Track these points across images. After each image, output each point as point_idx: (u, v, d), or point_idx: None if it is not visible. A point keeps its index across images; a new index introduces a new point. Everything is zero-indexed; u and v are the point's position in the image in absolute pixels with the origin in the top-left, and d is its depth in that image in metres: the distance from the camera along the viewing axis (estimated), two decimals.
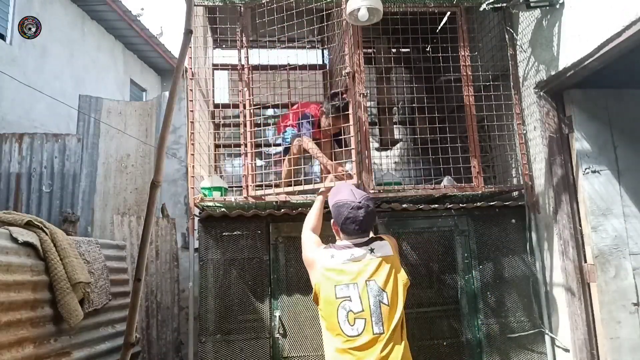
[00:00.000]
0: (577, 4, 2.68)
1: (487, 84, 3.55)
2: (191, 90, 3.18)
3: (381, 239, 2.06)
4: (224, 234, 3.09)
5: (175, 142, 6.03)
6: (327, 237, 2.32)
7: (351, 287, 1.90)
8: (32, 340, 2.42)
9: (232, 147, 4.46)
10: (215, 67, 4.78)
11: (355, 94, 3.10)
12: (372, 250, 1.98)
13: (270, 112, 5.16)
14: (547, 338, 3.10)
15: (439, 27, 3.07)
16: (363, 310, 1.87)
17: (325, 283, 1.94)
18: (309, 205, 3.17)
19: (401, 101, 5.01)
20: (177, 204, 5.85)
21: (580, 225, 2.99)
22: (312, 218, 2.39)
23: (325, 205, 2.41)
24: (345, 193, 2.08)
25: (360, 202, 2.01)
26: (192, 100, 3.17)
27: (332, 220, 2.11)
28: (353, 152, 3.02)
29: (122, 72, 8.97)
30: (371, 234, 2.11)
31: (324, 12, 3.23)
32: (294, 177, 3.38)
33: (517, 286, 3.18)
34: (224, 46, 4.82)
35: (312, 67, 5.03)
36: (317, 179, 3.24)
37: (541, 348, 3.11)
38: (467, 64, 3.30)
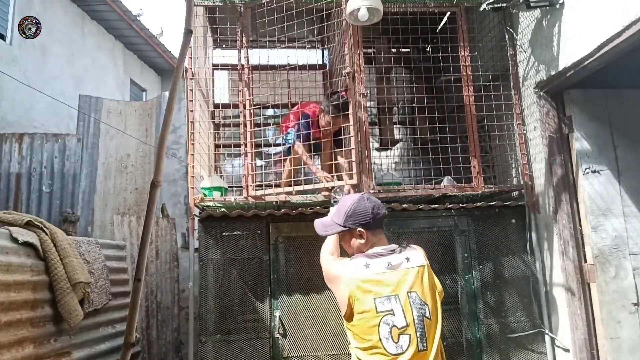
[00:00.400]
0: (577, 4, 2.68)
1: (487, 84, 3.55)
2: (191, 90, 3.19)
3: (411, 247, 1.90)
4: (224, 234, 3.09)
5: (175, 142, 6.03)
6: None
7: (393, 300, 1.72)
8: (32, 340, 2.42)
9: (232, 147, 4.46)
10: (215, 67, 4.78)
11: (355, 94, 3.11)
12: (408, 259, 1.81)
13: (270, 112, 5.16)
14: (547, 338, 3.10)
15: (439, 27, 3.07)
16: (408, 325, 1.70)
17: (362, 296, 1.73)
18: (309, 205, 3.17)
19: (401, 101, 5.01)
20: (177, 204, 5.85)
21: (580, 225, 2.99)
22: (329, 244, 2.15)
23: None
24: (345, 202, 1.93)
25: (374, 207, 1.87)
26: (192, 100, 3.17)
27: (352, 239, 1.91)
28: (353, 152, 3.02)
29: (122, 72, 8.97)
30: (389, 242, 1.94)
31: (324, 12, 3.23)
32: (294, 177, 3.38)
33: (517, 286, 3.18)
34: (224, 46, 4.82)
35: (312, 67, 5.03)
36: (317, 179, 3.23)
37: (541, 348, 3.11)
38: (467, 64, 3.30)
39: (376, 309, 1.71)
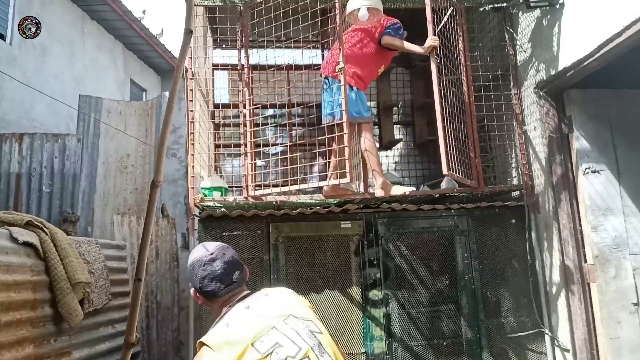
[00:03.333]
0: (577, 4, 2.68)
1: (487, 84, 3.55)
2: (191, 90, 3.19)
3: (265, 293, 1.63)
4: (224, 234, 3.08)
5: (175, 142, 6.02)
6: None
7: (272, 333, 1.43)
8: (32, 340, 2.42)
9: (232, 147, 4.46)
10: (215, 67, 4.78)
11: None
12: (266, 295, 1.60)
13: (270, 112, 5.16)
14: (547, 338, 3.10)
15: (439, 27, 3.06)
16: (301, 349, 1.41)
17: (240, 353, 1.38)
18: (309, 205, 3.17)
19: (401, 101, 5.01)
20: (177, 204, 5.84)
21: (580, 225, 2.99)
22: None
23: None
24: (195, 253, 1.68)
25: (212, 254, 1.62)
26: (192, 100, 3.17)
27: (191, 291, 1.67)
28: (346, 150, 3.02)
29: (122, 72, 8.97)
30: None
31: (325, 15, 3.23)
32: (290, 177, 3.18)
33: (517, 286, 3.18)
34: (224, 46, 4.83)
35: (312, 67, 5.03)
36: (313, 179, 3.22)
37: (541, 348, 3.11)
38: (467, 64, 3.30)
39: (259, 352, 1.39)
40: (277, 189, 3.08)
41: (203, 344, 1.45)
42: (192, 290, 1.67)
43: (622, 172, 2.98)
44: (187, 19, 1.38)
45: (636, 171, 3.00)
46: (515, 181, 3.40)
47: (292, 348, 1.41)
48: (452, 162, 2.78)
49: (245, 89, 3.21)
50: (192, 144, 3.13)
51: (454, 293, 3.14)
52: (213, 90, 4.49)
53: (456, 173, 2.81)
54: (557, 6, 2.83)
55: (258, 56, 3.64)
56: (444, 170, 2.71)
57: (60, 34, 7.20)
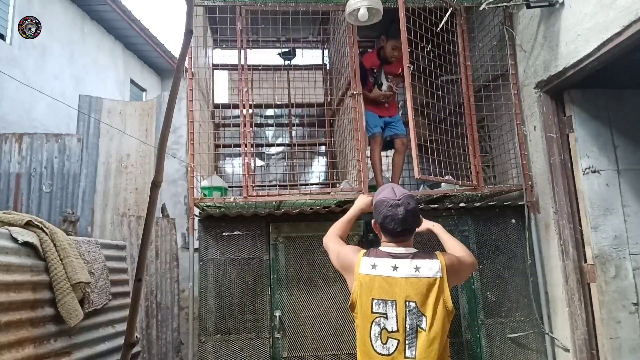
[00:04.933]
0: (577, 4, 2.67)
1: (487, 84, 3.55)
2: (191, 90, 3.19)
3: (433, 256, 1.87)
4: (223, 234, 3.09)
5: (175, 142, 6.02)
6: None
7: (389, 305, 1.77)
8: (32, 340, 2.42)
9: (232, 147, 4.46)
10: (215, 67, 4.78)
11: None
12: (417, 268, 1.81)
13: (270, 112, 5.16)
14: (547, 338, 3.10)
15: (440, 27, 3.07)
16: (397, 331, 1.75)
17: (362, 293, 1.81)
18: (309, 205, 3.17)
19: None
20: (177, 204, 5.84)
21: (580, 225, 2.98)
22: (341, 225, 2.22)
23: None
24: (385, 192, 1.96)
25: (399, 200, 1.87)
26: (192, 100, 3.17)
27: (372, 221, 2.00)
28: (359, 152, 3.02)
29: (122, 72, 8.97)
30: (412, 247, 1.94)
31: (328, 15, 3.23)
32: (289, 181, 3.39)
33: (517, 286, 3.18)
34: (224, 46, 4.83)
35: (311, 67, 5.03)
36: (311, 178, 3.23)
37: (541, 348, 3.11)
38: (467, 64, 3.30)
39: (371, 309, 1.79)
40: (275, 191, 3.08)
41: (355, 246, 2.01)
42: (372, 221, 2.00)
43: (622, 172, 2.98)
44: (188, 19, 1.39)
45: (636, 171, 3.00)
46: (515, 181, 3.39)
47: (393, 326, 1.75)
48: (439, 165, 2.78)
49: (245, 89, 3.21)
50: (192, 144, 3.13)
51: (454, 293, 3.13)
52: (213, 90, 4.49)
53: (433, 175, 3.04)
54: (557, 6, 2.83)
55: (257, 56, 3.64)
56: (416, 175, 2.81)
57: (60, 34, 7.20)
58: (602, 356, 2.83)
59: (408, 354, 1.73)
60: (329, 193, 3.15)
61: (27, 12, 6.27)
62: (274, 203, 3.17)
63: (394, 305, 1.77)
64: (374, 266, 1.84)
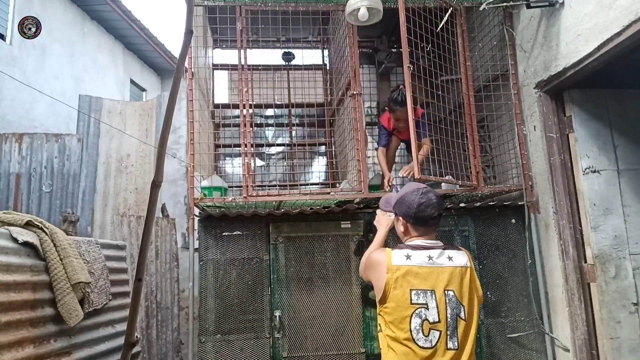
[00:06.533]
0: (577, 4, 2.67)
1: (487, 84, 3.55)
2: (191, 90, 3.18)
3: (457, 248, 1.90)
4: (224, 234, 3.09)
5: (175, 142, 6.02)
6: None
7: (429, 295, 1.73)
8: (32, 340, 2.42)
9: (232, 147, 4.46)
10: (215, 67, 4.78)
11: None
12: (450, 258, 1.81)
13: (270, 112, 5.16)
14: (547, 338, 3.10)
15: (440, 27, 3.07)
16: (439, 322, 1.71)
17: (399, 285, 1.74)
18: (309, 205, 3.17)
19: None
20: (177, 204, 5.84)
21: (580, 225, 2.98)
22: (375, 244, 2.10)
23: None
24: (407, 187, 1.92)
25: (427, 187, 1.86)
26: (192, 100, 3.17)
27: (399, 222, 1.93)
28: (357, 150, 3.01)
29: (122, 72, 8.97)
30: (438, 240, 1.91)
31: (328, 15, 3.23)
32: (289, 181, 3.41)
33: (517, 286, 3.18)
34: (224, 46, 4.83)
35: (311, 67, 5.03)
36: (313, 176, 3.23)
37: (541, 348, 3.11)
38: (467, 63, 3.30)
39: (410, 300, 1.72)
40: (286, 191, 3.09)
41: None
42: (398, 217, 1.93)
43: (622, 172, 2.98)
44: (188, 19, 1.38)
45: (636, 171, 3.00)
46: (515, 181, 3.40)
47: (434, 317, 1.70)
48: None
49: (245, 89, 3.21)
50: (192, 144, 3.12)
51: None
52: (213, 90, 4.49)
53: (433, 175, 3.03)
54: (557, 6, 2.83)
55: (258, 55, 3.64)
56: (416, 175, 2.83)
57: (60, 34, 7.20)
58: (602, 356, 2.83)
59: (450, 345, 1.70)
60: (329, 193, 3.15)
61: (27, 12, 6.27)
62: (274, 203, 3.17)
63: (434, 295, 1.73)
64: (408, 257, 1.78)
